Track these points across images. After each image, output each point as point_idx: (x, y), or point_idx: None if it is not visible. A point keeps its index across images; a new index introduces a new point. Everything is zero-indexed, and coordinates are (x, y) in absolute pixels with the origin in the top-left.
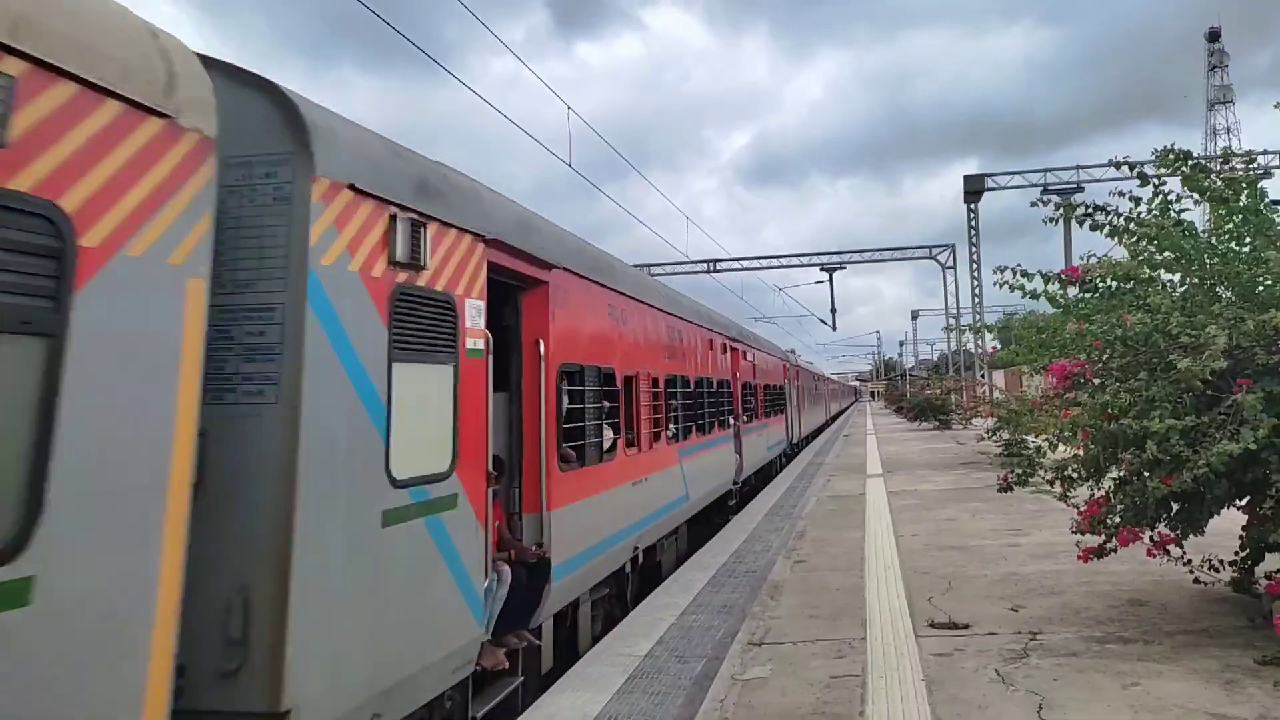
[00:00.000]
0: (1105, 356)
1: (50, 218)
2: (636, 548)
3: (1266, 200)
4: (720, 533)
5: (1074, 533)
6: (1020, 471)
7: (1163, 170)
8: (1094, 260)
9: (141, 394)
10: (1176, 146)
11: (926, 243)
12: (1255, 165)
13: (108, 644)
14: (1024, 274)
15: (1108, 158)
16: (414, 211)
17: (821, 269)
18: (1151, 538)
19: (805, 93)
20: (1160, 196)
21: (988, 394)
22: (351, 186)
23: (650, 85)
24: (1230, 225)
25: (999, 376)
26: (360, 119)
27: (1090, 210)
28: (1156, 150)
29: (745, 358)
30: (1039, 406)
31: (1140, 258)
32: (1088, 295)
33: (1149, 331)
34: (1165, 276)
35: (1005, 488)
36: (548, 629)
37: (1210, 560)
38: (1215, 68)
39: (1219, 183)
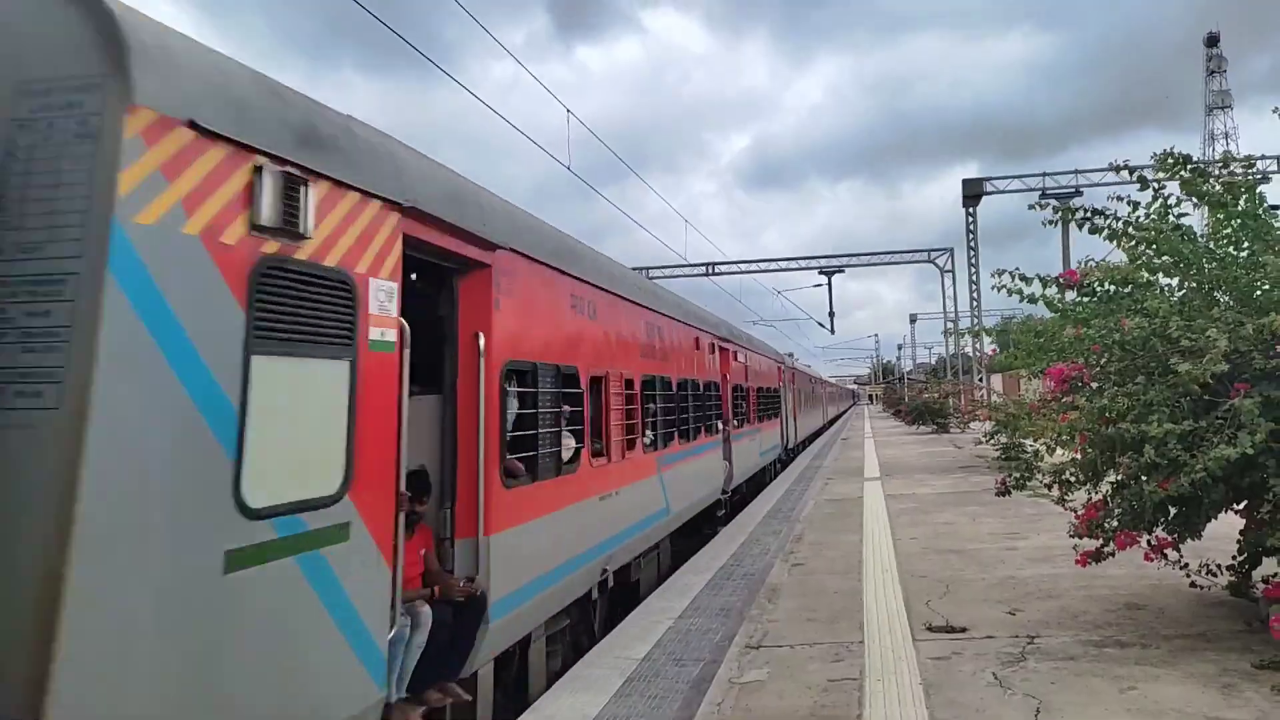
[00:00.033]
0: (1103, 360)
1: None
2: (606, 570)
3: (1265, 205)
4: (718, 535)
5: (1071, 536)
6: (1018, 475)
7: (1161, 175)
8: (1092, 264)
9: None
10: (1176, 150)
11: (925, 246)
12: (1254, 170)
13: None
14: (1022, 278)
15: (1107, 162)
16: (292, 165)
17: (820, 272)
18: (1149, 541)
19: (805, 96)
20: (1160, 200)
21: (986, 398)
22: (192, 124)
23: (650, 88)
24: (1228, 230)
25: (997, 380)
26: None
27: (1090, 214)
28: (1156, 154)
29: (736, 358)
30: (1037, 410)
31: (1139, 261)
32: (1085, 299)
33: (1147, 336)
34: (1163, 280)
35: (1003, 491)
36: (486, 676)
37: (1207, 564)
38: (1213, 73)
39: (1218, 187)
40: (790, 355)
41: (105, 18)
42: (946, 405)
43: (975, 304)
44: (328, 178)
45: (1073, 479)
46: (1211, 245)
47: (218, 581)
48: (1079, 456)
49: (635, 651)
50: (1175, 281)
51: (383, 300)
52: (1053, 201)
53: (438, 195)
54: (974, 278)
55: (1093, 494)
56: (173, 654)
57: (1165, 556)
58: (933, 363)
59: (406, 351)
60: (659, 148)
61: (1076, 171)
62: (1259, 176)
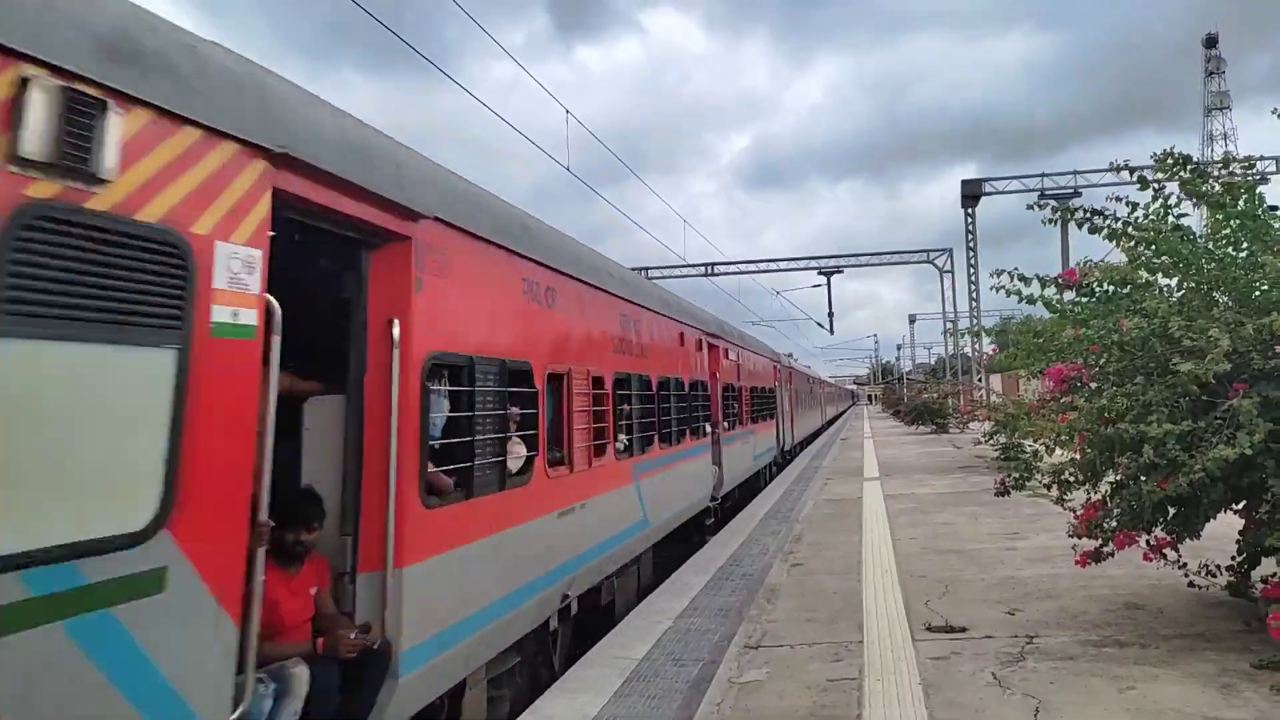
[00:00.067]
0: (1102, 361)
1: None
2: (567, 595)
3: (1264, 206)
4: (717, 536)
5: (1071, 536)
6: (1017, 475)
7: (1160, 175)
8: (1091, 264)
9: None
10: (1176, 151)
11: (925, 247)
12: (1253, 170)
13: None
14: (1021, 278)
15: (1106, 162)
16: (84, 80)
17: (819, 272)
18: (1148, 541)
19: (805, 96)
20: (1160, 200)
21: (985, 398)
22: None
23: (650, 89)
24: (1227, 230)
25: (996, 380)
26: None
27: (1089, 214)
28: (1156, 155)
29: (727, 356)
30: (1036, 410)
31: (1138, 262)
32: (1084, 300)
33: (1146, 336)
34: (1162, 281)
35: (1002, 491)
36: None
37: (1206, 564)
38: (1212, 74)
39: (1217, 188)
40: (789, 355)
41: None
42: (946, 405)
43: (974, 304)
44: (146, 103)
45: (1072, 479)
46: (1210, 246)
47: None
48: (1078, 457)
49: (634, 651)
50: (1174, 282)
51: (238, 271)
52: (1052, 202)
53: (332, 145)
54: (973, 278)
55: (1092, 494)
56: None
57: (1164, 556)
58: (932, 363)
59: (276, 338)
60: (659, 148)
61: (1075, 172)
62: (1258, 177)
